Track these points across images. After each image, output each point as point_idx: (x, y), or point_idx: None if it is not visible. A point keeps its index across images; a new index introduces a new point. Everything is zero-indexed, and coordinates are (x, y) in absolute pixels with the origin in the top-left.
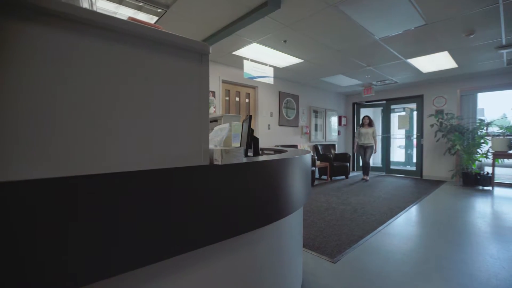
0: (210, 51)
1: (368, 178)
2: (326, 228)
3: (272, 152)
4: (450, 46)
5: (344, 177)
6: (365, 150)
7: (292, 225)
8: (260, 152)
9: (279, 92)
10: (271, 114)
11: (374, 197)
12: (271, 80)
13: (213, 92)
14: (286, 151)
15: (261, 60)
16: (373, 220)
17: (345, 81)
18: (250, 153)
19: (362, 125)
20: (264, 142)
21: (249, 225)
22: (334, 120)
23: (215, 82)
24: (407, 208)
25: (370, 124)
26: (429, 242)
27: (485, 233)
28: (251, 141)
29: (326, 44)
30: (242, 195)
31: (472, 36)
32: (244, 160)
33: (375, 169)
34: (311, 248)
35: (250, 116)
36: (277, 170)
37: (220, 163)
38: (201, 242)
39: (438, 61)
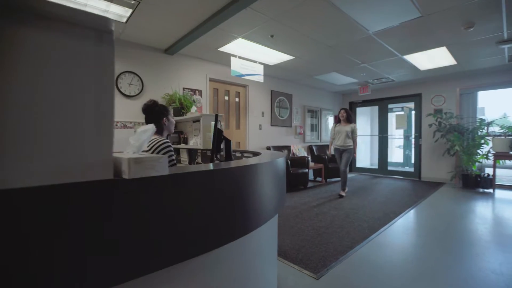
0: (113, 28)
1: (344, 193)
2: (314, 237)
3: (251, 155)
4: (448, 41)
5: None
6: (340, 155)
7: (259, 241)
8: (240, 155)
9: (271, 90)
10: (263, 114)
11: (368, 200)
12: (261, 78)
13: (200, 91)
14: (260, 153)
15: (249, 57)
16: (365, 227)
17: (340, 79)
18: (225, 155)
19: (338, 121)
20: (255, 143)
21: (184, 253)
22: (330, 119)
23: (201, 80)
24: (403, 213)
25: (349, 119)
26: (424, 253)
27: (486, 242)
28: (220, 143)
29: (316, 39)
30: (166, 219)
31: (472, 29)
32: (201, 169)
33: (372, 170)
34: (294, 261)
35: (217, 116)
36: (228, 181)
37: (127, 177)
38: (110, 280)
39: (436, 58)
